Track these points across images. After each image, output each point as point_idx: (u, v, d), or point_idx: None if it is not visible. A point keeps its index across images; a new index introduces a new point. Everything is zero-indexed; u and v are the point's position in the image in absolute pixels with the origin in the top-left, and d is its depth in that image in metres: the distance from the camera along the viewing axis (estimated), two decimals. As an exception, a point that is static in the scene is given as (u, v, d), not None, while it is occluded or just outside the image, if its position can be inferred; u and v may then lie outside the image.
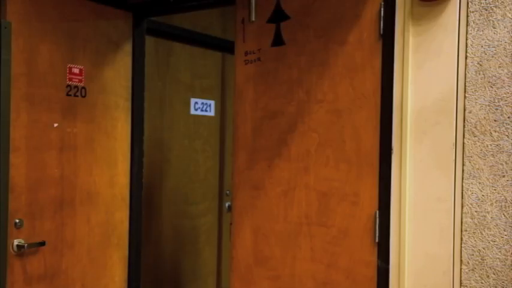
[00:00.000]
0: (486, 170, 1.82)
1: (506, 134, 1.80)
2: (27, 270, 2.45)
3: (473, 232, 1.84)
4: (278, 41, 2.28)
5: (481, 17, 1.83)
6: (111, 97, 2.84)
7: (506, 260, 1.80)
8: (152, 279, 3.74)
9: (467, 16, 1.85)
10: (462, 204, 1.86)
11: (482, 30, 1.83)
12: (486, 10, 1.82)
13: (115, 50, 2.87)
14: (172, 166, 3.80)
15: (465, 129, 1.86)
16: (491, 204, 1.82)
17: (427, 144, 1.92)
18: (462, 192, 1.87)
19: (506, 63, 1.80)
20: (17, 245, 2.39)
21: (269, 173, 2.29)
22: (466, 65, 1.85)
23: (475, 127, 1.84)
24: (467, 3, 1.85)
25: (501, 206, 1.80)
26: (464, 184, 1.86)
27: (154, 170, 3.67)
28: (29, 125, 2.43)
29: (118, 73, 2.88)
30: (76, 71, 2.65)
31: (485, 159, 1.83)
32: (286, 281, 2.24)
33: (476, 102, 1.84)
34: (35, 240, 2.46)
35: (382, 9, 2.02)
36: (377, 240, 2.03)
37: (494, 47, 1.81)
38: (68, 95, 2.61)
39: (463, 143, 1.86)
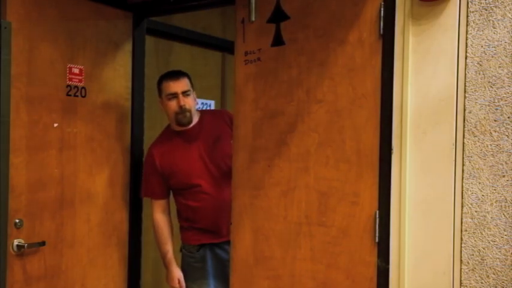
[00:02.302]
0: (486, 170, 1.82)
1: (506, 134, 1.79)
2: (27, 270, 2.45)
3: (473, 232, 1.84)
4: (278, 41, 2.28)
5: (481, 17, 1.83)
6: (111, 97, 2.84)
7: (506, 260, 1.80)
8: (152, 279, 3.74)
9: (467, 16, 1.85)
10: (462, 204, 1.86)
11: (482, 30, 1.83)
12: (486, 10, 1.82)
13: (115, 49, 2.87)
14: (172, 166, 3.79)
15: (465, 129, 1.86)
16: (491, 204, 1.82)
17: (427, 144, 1.92)
18: (462, 192, 1.86)
19: (506, 63, 1.80)
20: (17, 245, 2.39)
21: (269, 173, 2.29)
22: (466, 65, 1.85)
23: (475, 127, 1.84)
24: (467, 3, 1.85)
25: (501, 206, 1.80)
26: (464, 184, 1.86)
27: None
28: (29, 125, 2.43)
29: (118, 73, 2.88)
30: (76, 71, 2.64)
31: (485, 159, 1.83)
32: (286, 281, 2.24)
33: (476, 102, 1.84)
34: (35, 240, 2.46)
35: (382, 9, 2.02)
36: (377, 240, 2.03)
37: (494, 47, 1.81)
38: (68, 95, 2.61)
39: (463, 143, 1.86)
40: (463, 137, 1.86)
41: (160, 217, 2.90)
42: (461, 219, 1.86)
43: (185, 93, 2.82)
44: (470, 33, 1.85)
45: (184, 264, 2.94)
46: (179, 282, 2.88)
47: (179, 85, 2.82)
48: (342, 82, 2.12)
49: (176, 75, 2.87)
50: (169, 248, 2.90)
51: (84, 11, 2.69)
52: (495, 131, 1.81)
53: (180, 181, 2.86)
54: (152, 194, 2.92)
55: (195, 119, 2.90)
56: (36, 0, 2.46)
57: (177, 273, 2.89)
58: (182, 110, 2.81)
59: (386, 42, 2.01)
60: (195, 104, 2.91)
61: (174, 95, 2.82)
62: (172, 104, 2.83)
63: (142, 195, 2.97)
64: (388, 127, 2.00)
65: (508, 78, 1.80)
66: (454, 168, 1.87)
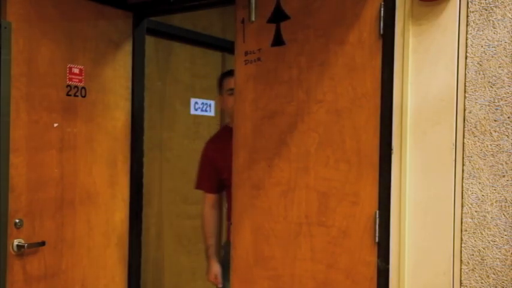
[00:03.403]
0: (486, 170, 1.82)
1: (506, 134, 1.80)
2: (27, 270, 2.45)
3: (473, 232, 1.85)
4: (278, 41, 2.28)
5: (481, 17, 1.83)
6: (111, 97, 2.84)
7: (506, 260, 1.80)
8: (152, 279, 3.74)
9: (467, 16, 1.85)
10: (462, 204, 1.86)
11: (482, 30, 1.83)
12: (486, 10, 1.82)
13: (115, 49, 2.87)
14: (172, 166, 3.79)
15: (465, 129, 1.86)
16: (491, 204, 1.82)
17: (427, 144, 1.92)
18: (462, 192, 1.87)
19: (506, 63, 1.80)
20: (17, 245, 2.39)
21: (269, 173, 2.29)
22: (466, 65, 1.85)
23: (475, 127, 1.84)
24: (467, 3, 1.85)
25: (501, 206, 1.80)
26: (464, 184, 1.86)
27: (154, 170, 3.67)
28: (29, 125, 2.43)
29: (118, 73, 2.88)
30: (76, 71, 2.65)
31: (485, 159, 1.83)
32: (286, 281, 2.24)
33: (476, 102, 1.84)
34: (35, 240, 2.46)
35: (382, 9, 2.02)
36: (377, 240, 2.03)
37: (494, 47, 1.81)
38: (68, 95, 2.61)
39: (463, 143, 1.86)
40: (463, 137, 1.86)
41: (208, 211, 2.96)
42: (461, 219, 1.86)
43: None
44: (470, 33, 1.85)
45: (224, 261, 2.97)
46: (216, 277, 2.93)
47: None
48: (342, 82, 2.12)
49: None
50: (212, 243, 2.95)
51: (84, 11, 2.69)
52: (495, 131, 1.81)
53: (228, 177, 2.90)
54: (203, 186, 3.00)
55: None
56: (36, 0, 2.46)
57: (215, 269, 2.93)
58: None
59: (386, 42, 2.01)
60: None
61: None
62: (233, 99, 2.89)
63: (195, 187, 3.05)
64: (388, 127, 2.00)
65: (508, 78, 1.80)
66: (454, 168, 1.87)
